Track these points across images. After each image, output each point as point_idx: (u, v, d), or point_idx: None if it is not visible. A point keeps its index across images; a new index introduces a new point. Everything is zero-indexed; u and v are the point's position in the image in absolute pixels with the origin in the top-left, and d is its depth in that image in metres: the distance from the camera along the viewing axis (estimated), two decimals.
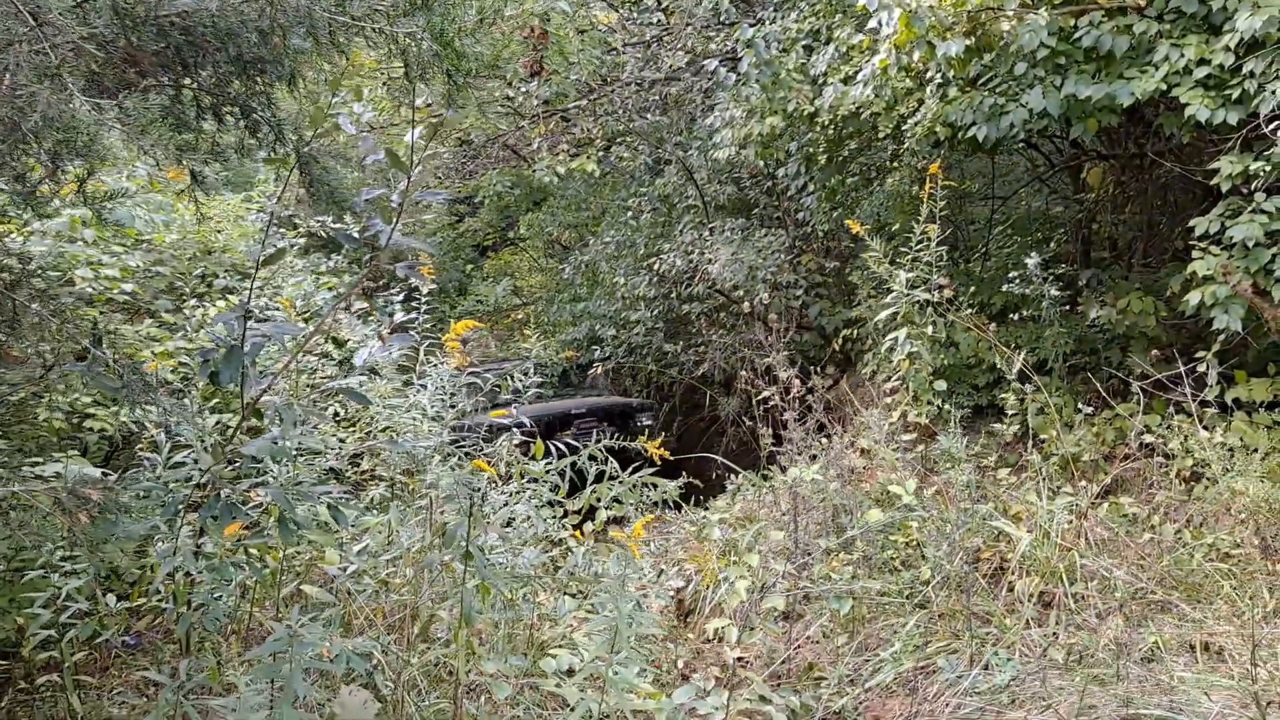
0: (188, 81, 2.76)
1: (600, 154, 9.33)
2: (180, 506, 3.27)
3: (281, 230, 8.23)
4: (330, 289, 7.94)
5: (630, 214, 9.84)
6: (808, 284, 9.86)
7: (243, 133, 3.22)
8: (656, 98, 9.14)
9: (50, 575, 3.85)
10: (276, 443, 3.00)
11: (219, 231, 6.92)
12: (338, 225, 6.62)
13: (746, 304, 8.15)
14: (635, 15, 9.33)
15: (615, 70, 9.36)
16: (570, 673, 3.55)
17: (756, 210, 10.05)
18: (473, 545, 3.07)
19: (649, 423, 9.57)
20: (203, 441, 4.22)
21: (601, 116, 9.06)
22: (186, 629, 3.40)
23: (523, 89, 8.58)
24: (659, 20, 9.09)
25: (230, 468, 3.33)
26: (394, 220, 3.30)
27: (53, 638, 3.80)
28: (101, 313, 4.58)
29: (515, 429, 4.71)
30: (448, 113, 2.98)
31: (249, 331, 3.09)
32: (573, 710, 2.84)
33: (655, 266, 8.96)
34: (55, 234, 5.18)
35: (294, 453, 3.48)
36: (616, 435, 8.58)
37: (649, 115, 9.19)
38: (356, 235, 3.69)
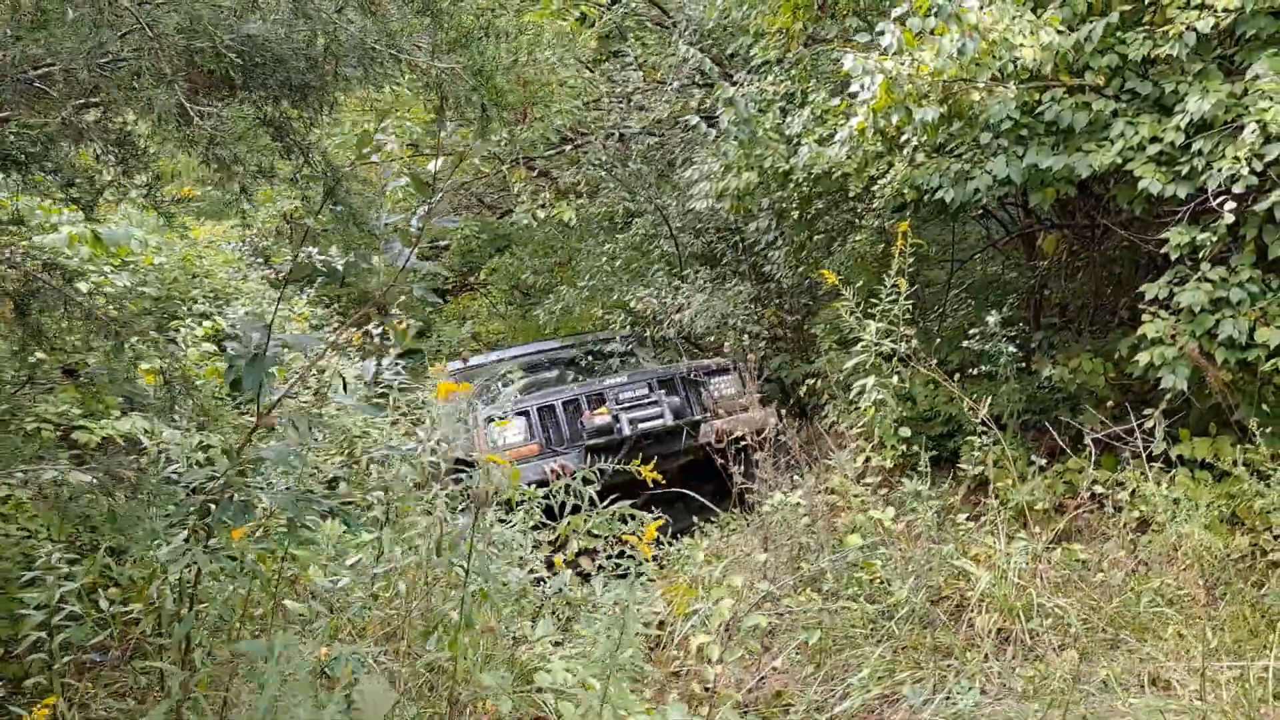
0: (236, 101, 2.94)
1: (580, 203, 9.59)
2: (190, 510, 3.38)
3: (262, 260, 8.36)
4: (305, 319, 8.05)
5: (606, 259, 10.11)
6: (769, 337, 10.17)
7: (274, 155, 3.40)
8: (638, 147, 9.46)
9: (45, 578, 3.92)
10: (292, 449, 3.14)
11: (200, 257, 7.03)
12: (321, 257, 6.76)
13: (724, 347, 8.36)
14: (617, 70, 9.69)
15: (596, 122, 9.68)
16: (556, 692, 3.69)
17: (724, 263, 10.38)
18: (476, 549, 3.23)
19: (730, 390, 7.96)
20: (189, 456, 4.31)
21: (584, 165, 9.35)
22: (187, 631, 3.49)
23: (504, 134, 8.83)
24: (638, 76, 9.45)
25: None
26: (413, 244, 3.49)
27: (43, 640, 3.85)
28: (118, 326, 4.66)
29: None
30: (476, 143, 3.20)
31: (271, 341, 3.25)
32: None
33: (632, 307, 9.18)
34: (50, 249, 5.27)
35: (305, 460, 3.60)
36: (686, 404, 7.60)
37: (629, 165, 9.49)
38: (338, 267, 3.88)
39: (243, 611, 4.09)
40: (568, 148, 10.27)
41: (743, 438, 5.66)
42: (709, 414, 7.74)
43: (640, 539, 3.75)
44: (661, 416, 7.38)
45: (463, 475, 4.57)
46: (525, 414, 7.32)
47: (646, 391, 7.50)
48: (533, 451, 7.02)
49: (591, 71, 10.71)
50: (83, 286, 5.20)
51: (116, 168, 2.53)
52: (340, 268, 3.58)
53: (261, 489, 3.53)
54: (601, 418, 7.23)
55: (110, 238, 5.38)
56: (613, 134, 9.34)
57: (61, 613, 3.89)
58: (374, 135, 2.88)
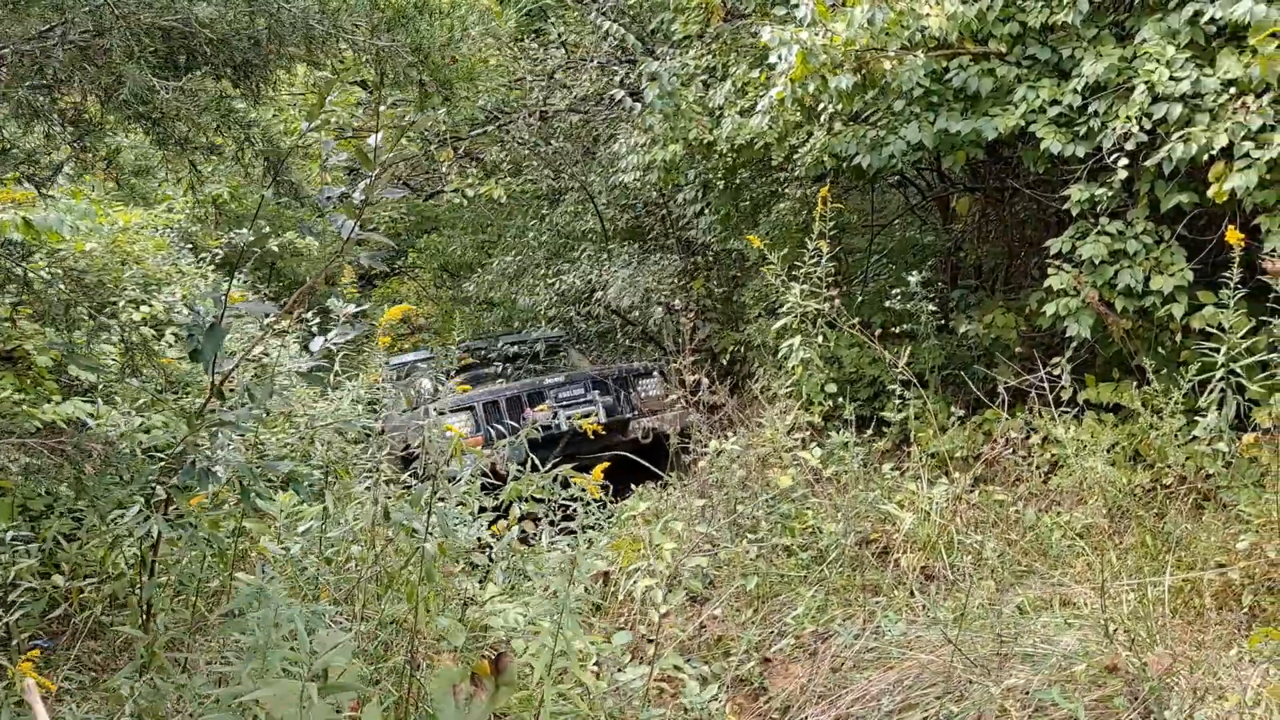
0: (177, 83, 3.04)
1: (507, 180, 9.72)
2: (149, 478, 3.49)
3: (190, 246, 8.33)
4: (243, 299, 8.04)
5: (532, 234, 10.25)
6: (698, 308, 10.42)
7: (215, 134, 3.50)
8: (563, 125, 9.60)
9: None
10: (253, 413, 3.27)
11: (132, 243, 7.00)
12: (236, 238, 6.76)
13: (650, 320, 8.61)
14: (538, 48, 9.80)
15: (520, 99, 9.79)
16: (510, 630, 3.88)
17: (651, 237, 10.59)
18: (435, 507, 3.39)
19: (655, 391, 8.52)
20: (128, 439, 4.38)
21: (510, 143, 9.46)
22: (149, 595, 3.60)
23: (429, 114, 8.90)
24: (562, 53, 9.58)
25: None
26: (358, 215, 3.62)
27: None
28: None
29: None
30: (417, 116, 3.34)
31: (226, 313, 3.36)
32: (530, 653, 3.18)
33: (556, 286, 9.36)
34: None
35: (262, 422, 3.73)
36: (616, 403, 8.26)
37: (553, 142, 9.63)
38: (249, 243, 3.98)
39: (199, 582, 4.21)
40: (490, 127, 10.37)
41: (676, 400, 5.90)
42: (636, 412, 8.35)
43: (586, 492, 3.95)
44: (596, 414, 7.94)
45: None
46: (471, 408, 7.76)
47: (583, 391, 8.10)
48: (477, 443, 7.36)
49: (512, 50, 10.83)
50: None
51: (76, 144, 2.62)
52: (275, 248, 3.70)
53: (212, 457, 3.64)
54: (542, 414, 7.77)
55: (42, 224, 5.37)
56: (535, 112, 9.48)
57: (17, 589, 3.96)
58: (320, 109, 3.01)
